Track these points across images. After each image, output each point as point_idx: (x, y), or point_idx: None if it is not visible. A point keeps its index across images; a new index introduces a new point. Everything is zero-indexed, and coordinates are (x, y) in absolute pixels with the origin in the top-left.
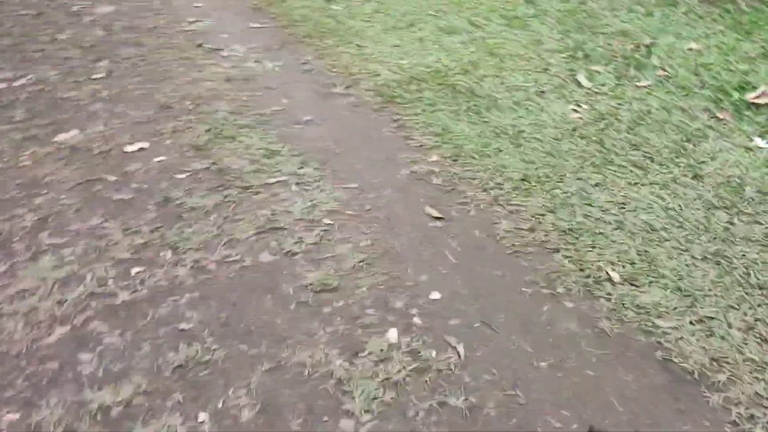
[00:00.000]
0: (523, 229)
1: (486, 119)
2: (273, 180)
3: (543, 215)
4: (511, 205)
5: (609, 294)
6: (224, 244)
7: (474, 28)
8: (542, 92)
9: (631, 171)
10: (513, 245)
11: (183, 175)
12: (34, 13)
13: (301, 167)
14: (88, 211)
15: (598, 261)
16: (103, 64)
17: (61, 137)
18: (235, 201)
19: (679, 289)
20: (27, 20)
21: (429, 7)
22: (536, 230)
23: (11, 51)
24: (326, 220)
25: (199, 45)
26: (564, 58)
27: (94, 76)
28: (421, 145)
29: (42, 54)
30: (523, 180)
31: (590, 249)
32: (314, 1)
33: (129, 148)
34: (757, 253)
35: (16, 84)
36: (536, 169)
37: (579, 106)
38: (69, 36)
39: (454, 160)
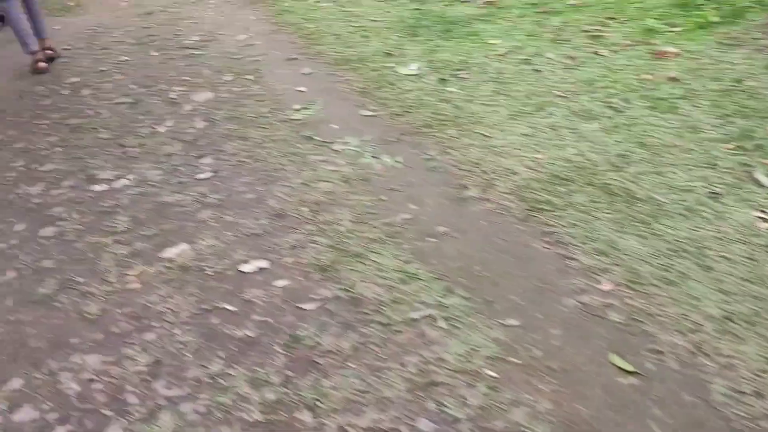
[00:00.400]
0: (745, 393)
1: (657, 231)
2: (416, 314)
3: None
4: (721, 355)
5: None
6: (372, 404)
7: (613, 111)
8: (716, 194)
9: None
10: (738, 417)
11: (311, 306)
12: (130, 101)
13: (446, 296)
14: (207, 353)
15: None
16: (207, 162)
17: (169, 253)
18: (377, 343)
19: None
20: (124, 110)
21: (555, 86)
22: (765, 396)
23: (110, 146)
24: (489, 372)
25: (308, 137)
26: (731, 149)
27: (199, 176)
28: (586, 268)
29: (142, 149)
30: (726, 319)
31: None
32: (427, 83)
33: (246, 268)
34: None
35: (116, 185)
36: (738, 302)
37: (766, 213)
38: (169, 128)
39: (632, 289)
